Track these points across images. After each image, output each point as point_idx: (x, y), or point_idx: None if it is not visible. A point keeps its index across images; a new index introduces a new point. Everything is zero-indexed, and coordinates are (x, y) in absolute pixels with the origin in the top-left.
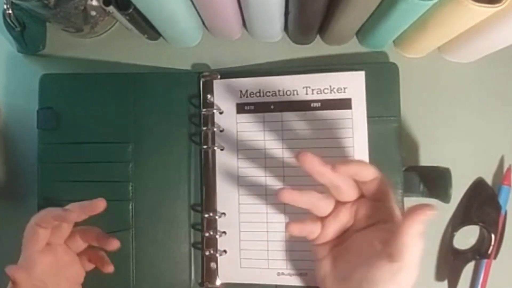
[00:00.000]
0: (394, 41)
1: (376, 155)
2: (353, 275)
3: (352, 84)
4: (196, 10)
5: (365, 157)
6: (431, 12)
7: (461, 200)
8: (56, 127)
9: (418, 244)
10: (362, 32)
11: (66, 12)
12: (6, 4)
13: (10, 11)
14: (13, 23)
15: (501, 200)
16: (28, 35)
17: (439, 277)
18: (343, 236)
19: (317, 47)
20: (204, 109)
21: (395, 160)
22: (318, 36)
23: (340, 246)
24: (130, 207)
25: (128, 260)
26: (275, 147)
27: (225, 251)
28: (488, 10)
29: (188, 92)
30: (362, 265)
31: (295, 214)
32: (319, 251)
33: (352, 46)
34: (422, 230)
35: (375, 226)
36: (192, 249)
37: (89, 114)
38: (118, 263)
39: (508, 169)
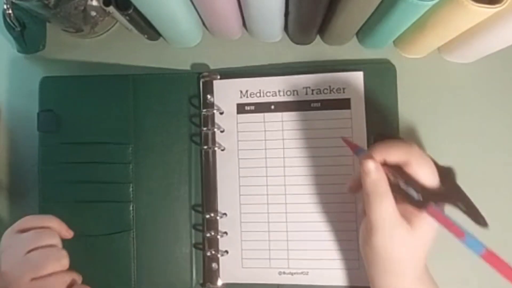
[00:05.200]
0: (394, 42)
1: None
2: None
3: (351, 85)
4: (196, 10)
5: None
6: (431, 13)
7: None
8: (57, 129)
9: (375, 203)
10: (362, 32)
11: (66, 12)
12: (6, 4)
13: (10, 11)
14: (13, 23)
15: None
16: (28, 35)
17: None
18: None
19: (317, 47)
20: (204, 110)
21: None
22: (318, 36)
23: None
24: (131, 208)
25: (130, 261)
26: (275, 147)
27: (226, 252)
28: (488, 10)
29: (188, 92)
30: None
31: (296, 213)
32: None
33: (352, 46)
34: (377, 189)
35: None
36: (194, 249)
37: (89, 115)
38: (119, 264)
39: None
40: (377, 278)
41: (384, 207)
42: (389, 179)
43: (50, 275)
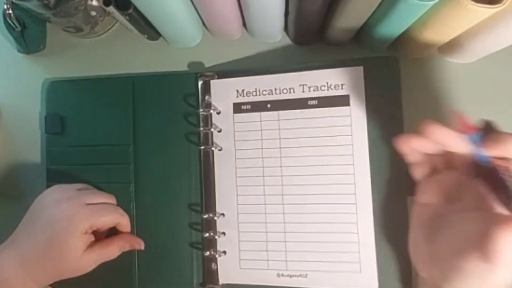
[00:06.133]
0: (394, 42)
1: (377, 154)
2: (444, 258)
3: (350, 80)
4: (196, 10)
5: (365, 155)
6: (431, 13)
7: None
8: (62, 132)
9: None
10: (362, 32)
11: (66, 12)
12: (6, 4)
13: (10, 11)
14: (13, 23)
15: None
16: (28, 35)
17: None
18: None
19: (317, 48)
20: (202, 110)
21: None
22: (318, 37)
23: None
24: (131, 207)
25: (131, 261)
26: (272, 146)
27: (224, 252)
28: (488, 10)
29: (187, 92)
30: (454, 252)
31: (294, 214)
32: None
33: (352, 47)
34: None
35: (477, 212)
36: (194, 250)
37: (91, 117)
38: (120, 265)
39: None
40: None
41: None
42: (497, 170)
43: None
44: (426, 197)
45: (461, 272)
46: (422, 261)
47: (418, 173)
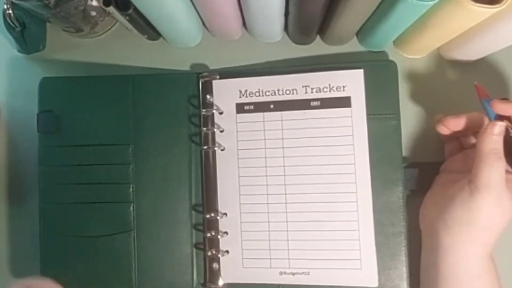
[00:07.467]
0: (394, 42)
1: (376, 153)
2: (444, 204)
3: (351, 82)
4: (196, 10)
5: (365, 155)
6: (431, 13)
7: None
8: (56, 130)
9: (493, 165)
10: (362, 33)
11: (66, 12)
12: (6, 4)
13: (10, 11)
14: (13, 23)
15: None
16: (28, 35)
17: None
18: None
19: (317, 48)
20: (203, 110)
21: (395, 157)
22: (318, 37)
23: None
24: (131, 208)
25: (130, 262)
26: (275, 147)
27: (227, 252)
28: (488, 10)
29: (188, 92)
30: (452, 192)
31: (297, 213)
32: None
33: (352, 47)
34: (497, 152)
35: None
36: (194, 249)
37: (89, 116)
38: (120, 265)
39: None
40: (460, 243)
41: (499, 170)
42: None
43: None
44: (451, 166)
45: (453, 198)
46: (427, 216)
47: (448, 150)
